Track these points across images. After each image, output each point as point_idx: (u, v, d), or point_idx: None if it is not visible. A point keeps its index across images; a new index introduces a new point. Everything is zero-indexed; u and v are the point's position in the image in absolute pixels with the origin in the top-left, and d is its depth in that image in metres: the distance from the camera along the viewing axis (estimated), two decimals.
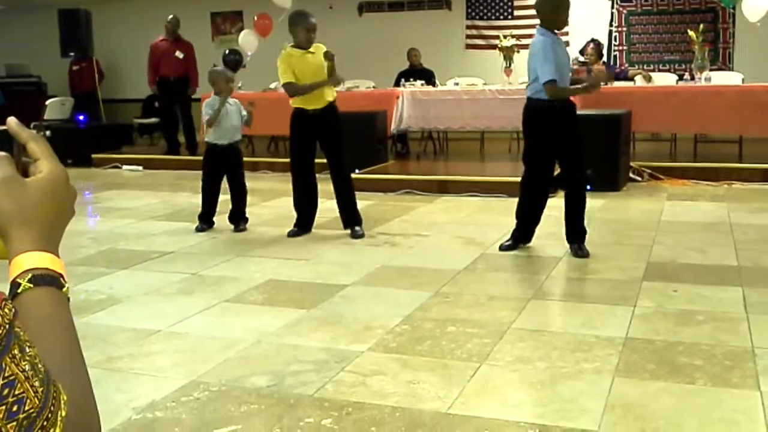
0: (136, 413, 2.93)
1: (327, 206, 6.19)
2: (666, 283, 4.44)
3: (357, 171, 7.75)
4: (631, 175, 8.06)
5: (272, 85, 10.20)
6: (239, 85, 10.62)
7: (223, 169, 6.27)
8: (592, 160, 7.04)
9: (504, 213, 5.54)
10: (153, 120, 12.33)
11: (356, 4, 12.87)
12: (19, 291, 0.72)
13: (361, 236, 5.84)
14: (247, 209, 6.44)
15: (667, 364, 3.25)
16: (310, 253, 5.45)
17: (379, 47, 12.09)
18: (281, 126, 6.18)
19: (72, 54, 12.19)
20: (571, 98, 5.22)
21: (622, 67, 10.61)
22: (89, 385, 0.72)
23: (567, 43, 11.02)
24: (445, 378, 3.17)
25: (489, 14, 12.30)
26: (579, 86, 5.15)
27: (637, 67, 10.77)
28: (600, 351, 3.42)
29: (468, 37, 12.43)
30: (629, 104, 8.21)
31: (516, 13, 11.90)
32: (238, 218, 6.30)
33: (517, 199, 5.39)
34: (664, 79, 9.81)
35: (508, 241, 5.35)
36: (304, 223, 6.05)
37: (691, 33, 9.24)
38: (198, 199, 6.42)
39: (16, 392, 0.60)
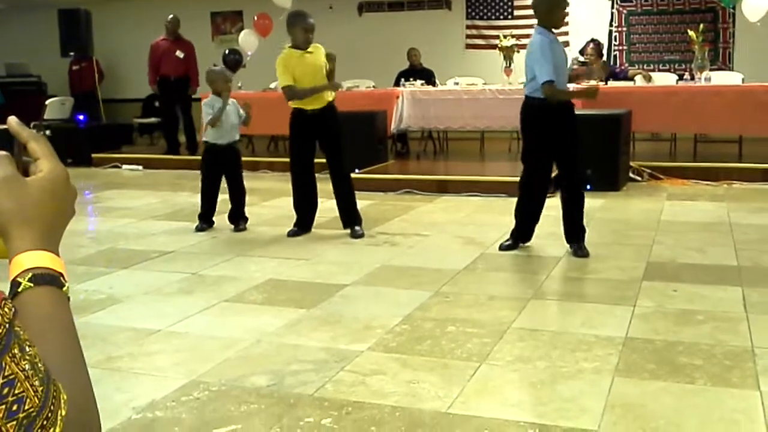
0: (136, 413, 2.93)
1: (327, 206, 6.19)
2: (666, 283, 4.44)
3: (357, 171, 7.75)
4: (631, 174, 8.06)
5: (272, 85, 10.20)
6: (239, 84, 10.65)
7: (222, 168, 6.27)
8: (592, 159, 7.10)
9: (504, 213, 5.54)
10: (153, 120, 12.33)
11: (356, 4, 12.88)
12: (19, 290, 0.72)
13: (361, 236, 5.84)
14: (247, 209, 6.44)
15: (666, 364, 3.25)
16: (310, 252, 5.45)
17: (379, 47, 12.10)
18: (281, 126, 6.18)
19: (72, 54, 12.19)
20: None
21: (622, 67, 10.60)
22: (89, 385, 0.72)
23: (567, 43, 11.09)
24: (445, 377, 3.17)
25: (489, 14, 12.30)
26: (576, 89, 5.15)
27: (637, 66, 10.77)
28: (600, 351, 3.42)
29: (468, 36, 12.44)
30: (629, 104, 8.21)
31: (516, 12, 11.90)
32: (238, 218, 6.30)
33: (516, 199, 5.39)
34: (664, 79, 9.81)
35: (507, 240, 5.35)
36: (303, 223, 6.06)
37: (691, 33, 9.24)
38: (198, 199, 6.42)
39: (16, 391, 0.60)
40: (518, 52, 9.15)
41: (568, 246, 5.19)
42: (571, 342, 3.53)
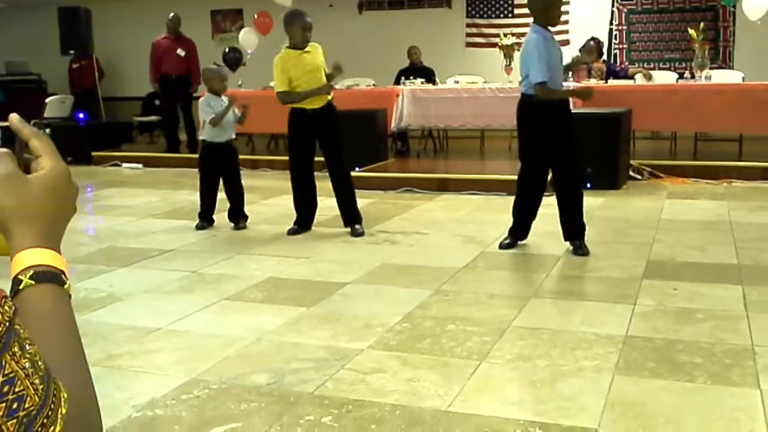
0: (136, 411, 2.93)
1: (327, 204, 6.19)
2: (666, 282, 4.44)
3: (357, 169, 7.75)
4: (631, 173, 8.06)
5: (272, 83, 10.17)
6: (239, 83, 10.65)
7: (220, 166, 6.26)
8: (592, 158, 7.10)
9: (504, 211, 5.54)
10: (153, 118, 12.33)
11: (356, 2, 12.87)
12: (20, 288, 0.72)
13: (361, 234, 5.84)
14: (247, 207, 6.44)
15: (666, 362, 3.25)
16: (310, 251, 5.45)
17: (380, 45, 12.09)
18: (281, 124, 6.18)
19: (72, 52, 12.19)
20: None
21: (623, 66, 10.60)
22: (90, 382, 0.72)
23: (567, 42, 11.09)
24: (445, 376, 3.17)
25: (489, 12, 12.30)
26: (570, 89, 5.14)
27: (637, 65, 10.76)
28: (600, 349, 3.42)
29: (468, 35, 12.43)
30: (629, 102, 8.20)
31: (516, 11, 11.90)
32: (238, 216, 6.30)
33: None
34: (665, 78, 9.81)
35: (506, 239, 5.36)
36: (304, 221, 6.06)
37: (691, 31, 9.23)
38: (197, 197, 6.42)
39: (16, 390, 0.61)
40: (518, 50, 9.10)
41: (567, 244, 5.19)
42: (571, 340, 3.54)
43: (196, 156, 6.71)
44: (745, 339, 3.50)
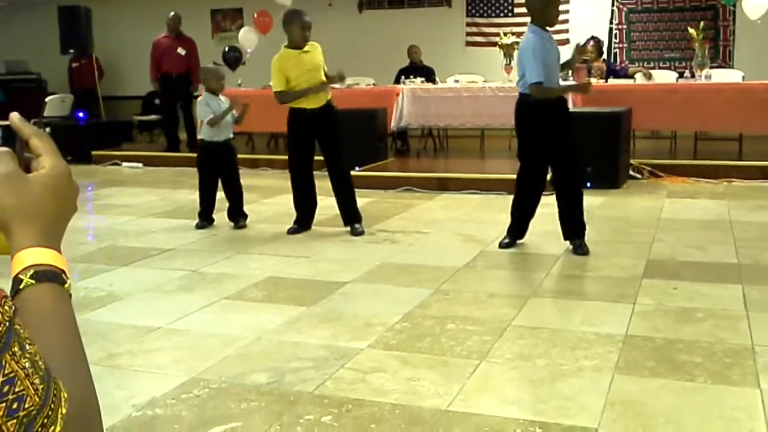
0: (136, 410, 2.93)
1: (327, 203, 6.19)
2: (666, 281, 4.44)
3: (357, 168, 7.75)
4: (631, 172, 8.06)
5: (273, 87, 10.19)
6: (239, 82, 10.65)
7: (218, 166, 6.26)
8: (592, 157, 7.10)
9: (504, 210, 5.54)
10: (153, 117, 12.33)
11: (356, 1, 12.87)
12: (21, 287, 0.72)
13: (361, 233, 5.84)
14: (247, 206, 6.44)
15: (666, 362, 3.25)
16: (310, 250, 5.45)
17: (379, 44, 12.09)
18: (281, 123, 6.18)
19: (72, 51, 12.19)
20: (564, 95, 5.25)
21: (623, 65, 10.60)
22: (91, 382, 0.72)
23: (567, 41, 11.09)
24: (445, 375, 3.17)
25: (489, 11, 12.30)
26: (565, 86, 5.12)
27: (637, 64, 10.77)
28: (600, 348, 3.42)
29: (468, 34, 12.43)
30: (629, 102, 8.20)
31: (516, 10, 11.89)
32: (237, 215, 6.30)
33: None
34: (665, 77, 9.81)
35: (505, 238, 5.36)
36: (303, 221, 6.06)
37: (691, 30, 9.23)
38: (197, 196, 6.42)
39: (16, 390, 0.60)
40: (518, 49, 9.15)
41: (567, 243, 5.19)
42: (571, 340, 3.54)
43: (196, 155, 6.70)
44: (745, 338, 3.50)
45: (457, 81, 9.86)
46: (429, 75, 10.30)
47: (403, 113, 9.48)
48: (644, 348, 3.42)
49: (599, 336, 3.57)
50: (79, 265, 5.07)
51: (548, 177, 5.35)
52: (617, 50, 11.66)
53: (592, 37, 9.79)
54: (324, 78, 5.82)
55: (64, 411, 0.64)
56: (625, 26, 11.64)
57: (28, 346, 0.63)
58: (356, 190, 6.07)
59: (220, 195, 6.35)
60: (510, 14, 12.00)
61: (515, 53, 9.31)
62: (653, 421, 2.73)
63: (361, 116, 8.57)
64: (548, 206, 5.40)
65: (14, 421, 0.60)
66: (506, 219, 5.42)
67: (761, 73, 9.04)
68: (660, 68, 10.75)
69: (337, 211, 6.02)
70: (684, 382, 3.06)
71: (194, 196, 6.42)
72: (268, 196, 7.61)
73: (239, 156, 6.53)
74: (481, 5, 12.33)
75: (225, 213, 6.35)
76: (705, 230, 5.76)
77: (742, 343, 3.44)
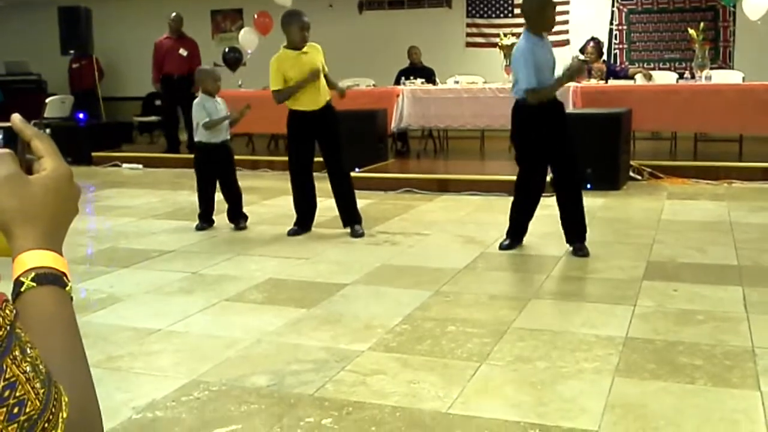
0: (136, 413, 2.93)
1: (327, 205, 6.19)
2: (666, 283, 4.44)
3: (357, 169, 7.75)
4: (631, 173, 8.05)
5: (271, 87, 10.19)
6: (239, 83, 10.65)
7: (216, 167, 6.25)
8: (592, 158, 7.10)
9: (504, 212, 5.54)
10: (153, 118, 12.33)
11: (356, 2, 12.88)
12: (22, 290, 0.72)
13: (361, 235, 5.84)
14: (247, 208, 6.44)
15: (667, 364, 3.25)
16: (310, 251, 5.45)
17: (380, 45, 12.09)
18: (281, 124, 6.18)
19: (72, 52, 12.19)
20: (559, 98, 5.24)
21: (623, 66, 10.60)
22: (91, 385, 0.72)
23: (567, 42, 11.09)
24: (446, 377, 3.17)
25: (489, 12, 12.30)
26: (556, 80, 5.08)
27: (637, 65, 10.77)
28: (600, 350, 3.42)
29: (468, 35, 12.43)
30: (629, 103, 8.20)
31: (516, 11, 11.88)
32: (237, 216, 6.30)
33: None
34: (665, 78, 9.81)
35: (505, 240, 5.36)
36: (304, 222, 6.05)
37: (691, 31, 9.24)
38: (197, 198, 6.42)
39: (17, 394, 0.60)
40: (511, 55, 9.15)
41: (568, 246, 5.18)
42: (572, 342, 3.53)
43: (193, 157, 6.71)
44: (746, 341, 3.50)
45: (457, 82, 9.86)
46: (429, 76, 10.30)
47: (404, 114, 9.48)
48: (644, 350, 3.41)
49: (599, 338, 3.57)
50: (79, 267, 5.07)
51: (548, 179, 5.34)
52: (617, 51, 11.67)
53: (592, 38, 9.80)
54: (324, 79, 5.81)
55: (65, 415, 0.64)
56: (625, 27, 11.65)
57: (29, 350, 0.63)
58: (356, 191, 6.06)
59: (219, 196, 6.34)
60: (510, 15, 12.00)
61: None
62: (653, 424, 2.73)
63: (361, 117, 8.57)
64: (548, 208, 5.40)
65: (15, 425, 0.60)
66: (506, 220, 5.42)
67: (761, 74, 9.04)
68: (660, 69, 10.75)
69: (337, 213, 6.02)
70: (684, 385, 3.05)
71: (194, 198, 6.42)
72: (269, 198, 7.61)
73: (240, 157, 6.54)
74: (481, 6, 12.33)
75: (225, 214, 6.35)
76: (705, 232, 5.76)
77: (742, 346, 3.44)
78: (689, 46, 9.97)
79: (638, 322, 3.78)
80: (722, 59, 11.00)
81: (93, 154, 10.86)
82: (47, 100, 11.86)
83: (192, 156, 6.62)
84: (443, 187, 7.79)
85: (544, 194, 5.33)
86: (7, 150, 0.74)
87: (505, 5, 12.15)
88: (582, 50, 9.67)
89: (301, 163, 5.98)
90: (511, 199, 5.42)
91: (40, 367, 0.63)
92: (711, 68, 9.16)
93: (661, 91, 8.85)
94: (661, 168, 8.17)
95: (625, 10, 11.62)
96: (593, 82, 9.18)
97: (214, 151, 6.21)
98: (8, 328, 0.62)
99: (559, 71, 5.19)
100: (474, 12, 12.39)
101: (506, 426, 2.74)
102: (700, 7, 11.15)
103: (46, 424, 0.62)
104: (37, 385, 0.62)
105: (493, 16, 12.24)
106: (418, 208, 7.03)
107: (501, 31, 10.62)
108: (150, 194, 8.25)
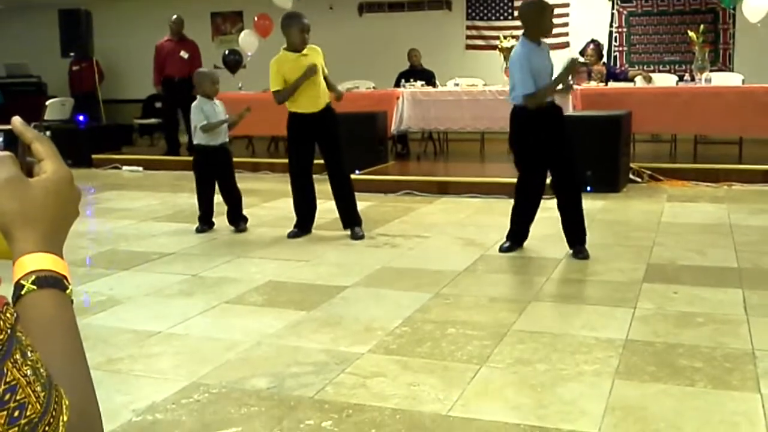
0: (136, 415, 2.93)
1: (327, 207, 6.19)
2: (666, 285, 4.44)
3: (357, 172, 7.75)
4: (631, 176, 8.06)
5: (271, 88, 10.19)
6: (239, 85, 10.66)
7: (214, 170, 6.25)
8: (592, 161, 7.11)
9: (504, 214, 5.54)
10: (153, 120, 12.34)
11: (356, 4, 12.88)
12: (22, 293, 0.72)
13: (361, 237, 5.84)
14: (248, 210, 6.44)
15: (667, 366, 3.25)
16: (310, 254, 5.45)
17: (380, 48, 12.10)
18: (281, 127, 6.18)
19: (72, 54, 12.20)
20: (558, 102, 5.24)
21: (623, 68, 10.61)
22: (92, 388, 0.72)
23: (567, 44, 11.09)
24: (446, 380, 3.17)
25: (489, 15, 12.31)
26: (552, 81, 5.06)
27: (637, 67, 10.78)
28: (600, 353, 3.42)
29: (468, 37, 12.44)
30: (629, 105, 8.21)
31: (516, 13, 11.90)
32: (237, 219, 6.30)
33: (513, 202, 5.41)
34: (665, 80, 9.82)
35: (506, 242, 5.36)
36: (303, 225, 6.05)
37: (691, 34, 9.24)
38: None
39: (18, 397, 0.60)
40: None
41: (568, 248, 5.18)
42: (572, 344, 3.53)
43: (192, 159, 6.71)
44: (746, 343, 3.50)
45: (457, 84, 9.87)
46: (429, 78, 10.31)
47: (404, 117, 9.48)
48: (644, 353, 3.41)
49: (599, 340, 3.57)
50: (79, 269, 5.07)
51: (548, 182, 5.34)
52: (617, 53, 11.67)
53: (592, 41, 9.81)
54: (323, 81, 5.81)
55: (65, 418, 0.64)
56: (625, 29, 11.65)
57: (29, 354, 0.63)
58: (356, 193, 6.07)
59: (219, 199, 6.34)
60: (510, 17, 12.00)
61: None
62: (654, 426, 2.73)
63: (361, 120, 8.58)
64: (548, 210, 5.40)
65: (16, 429, 0.60)
66: (506, 223, 5.42)
67: (761, 77, 9.04)
68: (660, 71, 10.75)
69: (337, 215, 6.02)
70: (684, 387, 3.05)
71: (194, 200, 6.42)
72: (269, 200, 7.61)
73: (240, 159, 6.55)
74: (481, 8, 12.34)
75: (225, 217, 6.35)
76: (705, 234, 5.76)
77: (742, 348, 3.44)
78: (689, 48, 9.98)
79: (638, 325, 3.78)
80: (722, 62, 11.01)
81: (93, 156, 10.86)
82: (47, 103, 11.86)
83: (192, 158, 6.63)
84: (443, 189, 7.79)
85: (544, 197, 5.34)
86: (7, 153, 0.74)
87: (505, 8, 12.16)
88: (582, 53, 9.68)
89: (300, 165, 5.98)
90: (511, 201, 5.42)
91: (41, 370, 0.63)
92: (711, 70, 9.16)
93: (660, 93, 8.85)
94: (661, 170, 8.17)
95: (624, 12, 11.62)
96: (593, 84, 9.19)
97: (213, 153, 6.21)
98: (9, 331, 0.62)
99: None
100: (474, 14, 12.40)
101: (506, 428, 2.74)
102: (699, 9, 11.16)
103: (47, 428, 0.62)
104: (38, 389, 0.62)
105: (493, 18, 12.25)
106: (418, 210, 7.03)
107: (501, 33, 10.61)
108: (150, 197, 8.25)
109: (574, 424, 2.76)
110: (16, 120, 0.77)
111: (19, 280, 0.72)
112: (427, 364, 3.36)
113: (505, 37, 9.69)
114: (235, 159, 6.60)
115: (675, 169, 8.22)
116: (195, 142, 6.35)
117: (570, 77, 5.34)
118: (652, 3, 11.47)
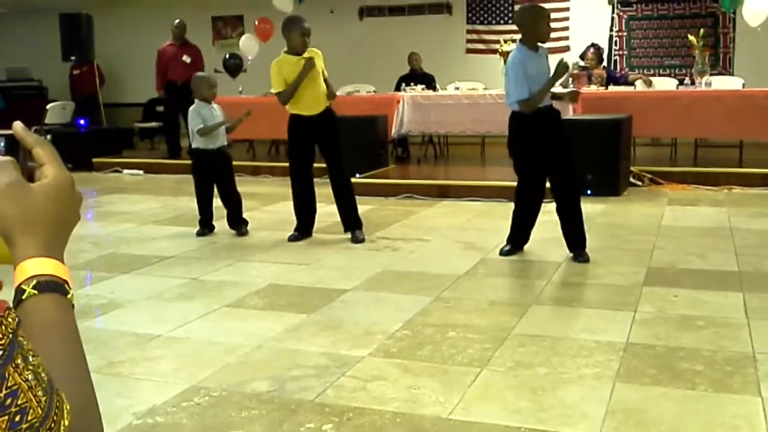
0: (136, 418, 2.93)
1: (328, 210, 6.19)
2: (666, 288, 4.44)
3: (358, 175, 7.76)
4: (631, 179, 8.06)
5: (272, 90, 10.21)
6: (240, 89, 10.67)
7: (213, 173, 6.25)
8: (592, 164, 7.12)
9: (504, 218, 5.55)
10: (154, 124, 12.35)
11: (357, 8, 12.90)
12: (23, 297, 0.72)
13: (362, 241, 5.84)
14: (248, 214, 6.44)
15: (667, 370, 3.25)
16: (311, 257, 5.45)
17: (380, 51, 12.11)
18: (281, 130, 6.19)
19: (73, 58, 12.21)
20: (557, 106, 5.24)
21: (623, 72, 10.61)
22: (93, 393, 0.72)
23: (567, 48, 11.10)
24: (446, 383, 3.17)
25: (489, 19, 12.32)
26: (545, 84, 5.03)
27: (637, 71, 10.78)
28: (601, 356, 3.42)
29: (468, 41, 12.46)
30: (630, 109, 8.22)
31: None
32: (238, 222, 6.30)
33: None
34: (665, 84, 9.83)
35: (506, 246, 5.36)
36: (304, 228, 6.06)
37: (691, 38, 9.26)
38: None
39: (19, 402, 0.60)
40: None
41: (569, 252, 5.18)
42: (572, 347, 3.53)
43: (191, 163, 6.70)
44: (746, 346, 3.50)
45: (457, 88, 9.88)
46: (429, 82, 10.32)
47: (404, 120, 9.49)
48: (645, 356, 3.41)
49: (600, 344, 3.57)
50: (80, 273, 5.07)
51: (548, 185, 5.34)
52: (617, 57, 11.69)
53: (593, 45, 9.81)
54: (324, 84, 5.81)
55: (66, 423, 0.64)
56: (625, 33, 11.67)
57: (31, 358, 0.63)
58: (357, 197, 6.07)
59: (219, 202, 6.35)
60: (510, 21, 12.01)
61: None
62: (654, 430, 2.73)
63: (362, 123, 8.58)
64: (549, 214, 5.40)
65: None
66: (507, 226, 5.42)
67: (761, 80, 9.05)
68: (660, 75, 10.77)
69: (338, 218, 6.02)
70: (685, 390, 3.05)
71: (195, 204, 6.42)
72: (269, 204, 7.61)
73: (240, 163, 6.55)
74: (482, 12, 12.36)
75: (225, 220, 6.35)
76: (705, 238, 5.76)
77: (743, 351, 3.44)
78: (689, 52, 9.98)
79: (639, 328, 3.78)
80: (722, 65, 11.02)
81: (94, 160, 10.87)
82: (48, 107, 11.88)
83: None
84: (444, 192, 7.79)
85: (544, 201, 5.34)
86: (8, 158, 0.74)
87: (505, 12, 12.17)
88: (582, 56, 9.69)
89: (301, 168, 5.98)
90: (512, 205, 5.43)
91: (42, 375, 0.64)
92: (711, 74, 9.17)
93: (661, 97, 8.86)
94: (662, 174, 8.18)
95: (625, 16, 11.64)
96: (593, 88, 9.19)
97: (211, 157, 6.21)
98: (11, 336, 0.62)
99: None
100: (474, 18, 12.42)
101: (507, 431, 2.74)
102: (700, 13, 11.17)
103: None
104: (39, 393, 0.62)
105: (494, 22, 12.27)
106: (419, 213, 7.04)
107: (501, 37, 10.64)
108: (151, 200, 8.26)
109: (574, 428, 2.75)
110: (18, 125, 0.77)
111: (21, 284, 0.73)
112: (428, 367, 3.36)
113: (505, 41, 9.71)
114: (235, 162, 6.60)
115: (675, 173, 8.23)
116: (193, 146, 6.35)
117: (570, 81, 5.35)
118: (653, 7, 11.48)
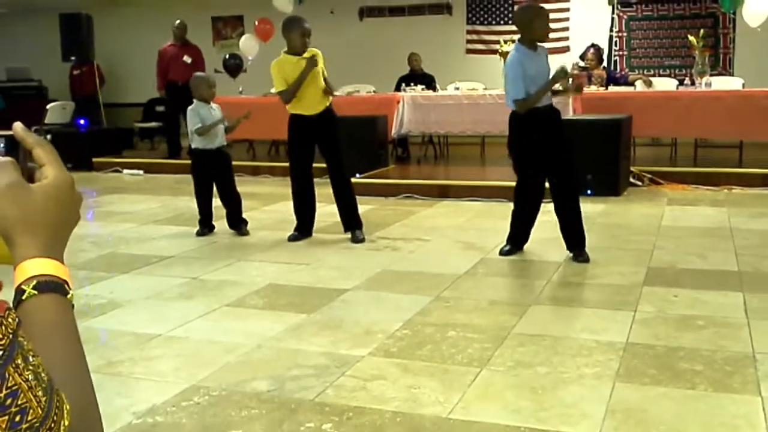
0: (136, 418, 2.93)
1: (328, 210, 6.20)
2: (666, 288, 4.44)
3: (358, 175, 7.77)
4: (631, 179, 8.06)
5: (273, 90, 10.20)
6: (240, 89, 10.67)
7: (213, 173, 6.25)
8: (592, 164, 7.12)
9: (504, 218, 5.55)
10: (154, 124, 12.35)
11: (357, 8, 12.90)
12: (23, 298, 0.72)
13: (362, 240, 5.84)
14: (248, 214, 6.44)
15: (667, 370, 3.25)
16: (311, 257, 5.45)
17: (380, 52, 12.11)
18: (281, 130, 6.19)
19: (73, 58, 12.22)
20: (557, 105, 5.24)
21: (623, 72, 10.61)
22: (93, 393, 0.72)
23: (567, 48, 11.10)
24: (446, 383, 3.17)
25: (489, 19, 12.32)
26: (542, 86, 5.03)
27: (637, 72, 10.78)
28: (601, 356, 3.42)
29: (468, 41, 12.46)
30: (630, 109, 8.22)
31: None
32: (238, 222, 6.30)
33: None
34: (665, 84, 9.83)
35: (506, 246, 5.36)
36: (304, 228, 6.06)
37: (691, 38, 9.26)
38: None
39: (19, 402, 0.60)
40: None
41: (568, 251, 5.18)
42: (572, 347, 3.53)
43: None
44: (746, 346, 3.50)
45: (457, 88, 9.88)
46: (429, 82, 10.32)
47: (404, 120, 9.49)
48: (645, 355, 3.42)
49: (600, 343, 3.57)
50: (80, 272, 5.07)
51: (547, 185, 5.35)
52: (617, 58, 11.69)
53: (593, 45, 9.81)
54: (324, 83, 5.82)
55: (66, 423, 0.64)
56: (625, 34, 11.67)
57: (31, 358, 0.63)
58: (357, 197, 6.07)
59: (218, 202, 6.35)
60: (510, 22, 12.01)
61: None
62: (654, 429, 2.73)
63: (362, 123, 8.59)
64: (548, 213, 5.40)
65: None
66: (507, 226, 5.42)
67: (761, 81, 9.05)
68: (660, 76, 10.77)
69: (338, 218, 6.03)
70: (685, 390, 3.05)
71: (195, 204, 6.42)
72: (269, 204, 7.61)
73: (240, 163, 6.55)
74: (482, 13, 12.36)
75: (225, 220, 6.35)
76: (705, 238, 5.76)
77: (742, 351, 3.44)
78: (689, 52, 9.99)
79: (639, 328, 3.78)
80: (722, 66, 11.02)
81: (94, 159, 10.88)
82: (48, 107, 11.88)
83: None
84: (444, 192, 7.80)
85: (544, 200, 5.34)
86: (8, 158, 0.74)
87: (505, 12, 12.17)
88: (582, 57, 9.69)
89: (300, 168, 5.98)
90: (511, 204, 5.43)
91: (43, 375, 0.64)
92: (711, 75, 9.17)
93: (661, 97, 8.86)
94: (662, 174, 8.18)
95: (625, 16, 11.64)
96: (593, 88, 9.19)
97: (211, 157, 6.21)
98: (11, 336, 0.62)
99: None
100: (474, 19, 12.42)
101: (507, 431, 2.75)
102: (700, 14, 11.17)
103: None
104: (39, 393, 0.62)
105: (493, 23, 12.27)
106: (419, 213, 7.04)
107: (501, 37, 10.64)
108: (151, 200, 8.26)
109: (574, 427, 2.76)
110: (18, 126, 0.77)
111: (21, 285, 0.73)
112: (428, 366, 3.36)
113: (505, 42, 9.70)
114: (235, 162, 6.60)
115: (675, 173, 8.23)
116: (192, 146, 6.36)
117: (570, 83, 5.34)
118: (653, 7, 11.48)
